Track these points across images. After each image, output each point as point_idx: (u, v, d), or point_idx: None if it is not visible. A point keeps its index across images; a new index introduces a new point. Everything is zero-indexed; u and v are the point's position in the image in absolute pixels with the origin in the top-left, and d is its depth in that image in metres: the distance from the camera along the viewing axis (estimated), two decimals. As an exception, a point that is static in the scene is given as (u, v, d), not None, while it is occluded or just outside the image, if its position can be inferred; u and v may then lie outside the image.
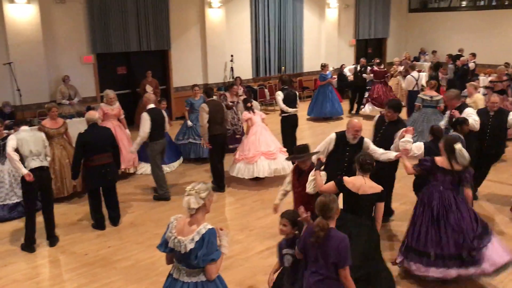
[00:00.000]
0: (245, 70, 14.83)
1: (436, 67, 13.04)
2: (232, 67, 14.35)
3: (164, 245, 3.44)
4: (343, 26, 17.99)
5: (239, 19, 14.86)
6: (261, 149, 8.03)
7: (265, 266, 5.28)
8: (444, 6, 20.23)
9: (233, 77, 13.79)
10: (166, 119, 7.84)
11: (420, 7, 20.72)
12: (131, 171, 8.93)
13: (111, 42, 12.01)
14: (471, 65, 14.63)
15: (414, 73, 11.92)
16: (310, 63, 17.01)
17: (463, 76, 13.70)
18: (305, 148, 5.04)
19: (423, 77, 12.71)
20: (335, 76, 15.04)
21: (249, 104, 8.47)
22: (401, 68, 14.80)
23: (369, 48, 19.88)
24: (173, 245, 3.33)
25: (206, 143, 7.73)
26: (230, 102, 10.08)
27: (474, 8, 19.31)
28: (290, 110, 9.09)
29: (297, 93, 9.82)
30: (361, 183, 4.38)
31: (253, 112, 8.34)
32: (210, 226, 3.31)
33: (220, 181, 7.96)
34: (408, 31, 20.71)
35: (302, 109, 14.12)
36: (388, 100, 6.66)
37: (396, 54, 18.65)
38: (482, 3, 19.37)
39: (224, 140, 8.03)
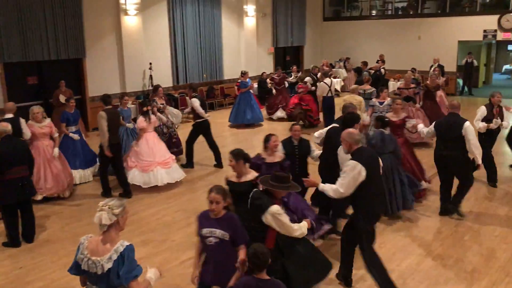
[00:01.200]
0: (164, 78, 14.61)
1: (359, 70, 13.78)
2: (151, 75, 14.09)
3: (75, 268, 3.26)
4: (261, 34, 18.33)
5: (156, 27, 14.65)
6: (156, 159, 8.17)
7: (187, 276, 5.20)
8: (355, 15, 21.30)
9: (152, 86, 13.52)
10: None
11: (334, 16, 21.65)
12: (66, 194, 7.97)
13: (20, 50, 11.34)
14: (382, 70, 15.51)
15: (327, 80, 12.42)
16: (230, 71, 17.13)
17: (376, 81, 14.41)
18: (287, 178, 4.26)
19: (337, 83, 13.26)
20: (255, 84, 15.27)
21: (145, 109, 8.50)
22: (318, 75, 15.31)
23: (287, 56, 20.42)
24: (87, 267, 3.15)
25: (108, 151, 7.63)
26: (161, 104, 9.95)
27: (383, 17, 20.53)
28: (206, 115, 9.40)
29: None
30: None
31: (149, 119, 8.37)
32: (127, 243, 3.17)
33: (124, 187, 7.97)
34: (324, 39, 21.53)
35: (223, 117, 14.25)
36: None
37: (312, 61, 19.30)
38: (390, 12, 20.62)
39: (119, 149, 8.00)
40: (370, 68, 15.52)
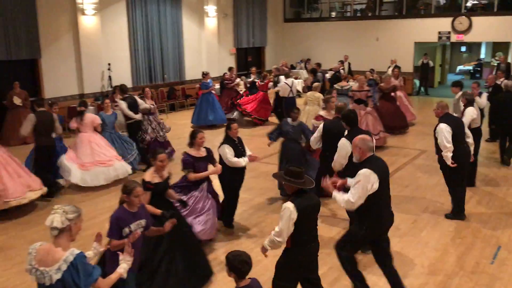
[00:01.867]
0: (124, 79, 14.29)
1: (314, 71, 13.96)
2: (110, 76, 13.82)
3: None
4: (223, 35, 18.29)
5: (115, 27, 14.38)
6: (96, 158, 8.33)
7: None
8: (316, 17, 21.57)
9: (111, 86, 13.28)
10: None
11: (294, 17, 21.85)
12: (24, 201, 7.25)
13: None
14: (341, 71, 15.76)
15: (288, 80, 12.55)
16: (192, 72, 17.00)
17: (335, 82, 14.60)
18: (302, 172, 4.13)
19: (298, 83, 13.39)
20: (216, 85, 15.22)
21: (79, 109, 8.73)
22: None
23: (249, 56, 20.47)
24: (36, 278, 3.00)
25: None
26: (152, 105, 10.06)
27: (342, 18, 20.87)
28: (136, 116, 9.53)
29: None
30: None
31: (82, 119, 8.50)
32: (77, 251, 3.03)
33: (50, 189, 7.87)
34: (285, 40, 21.70)
35: (185, 118, 14.12)
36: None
37: (273, 62, 19.43)
38: (349, 14, 20.99)
39: (52, 151, 8.04)
40: (331, 69, 15.72)
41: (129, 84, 14.78)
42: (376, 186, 4.32)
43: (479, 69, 24.11)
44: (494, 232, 6.45)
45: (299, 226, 3.99)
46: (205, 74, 13.70)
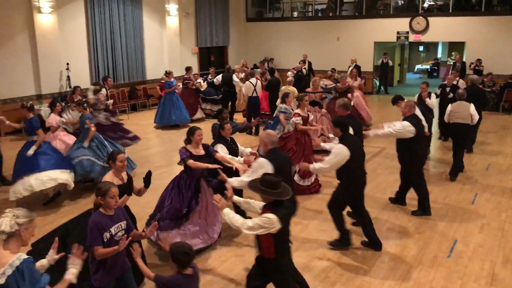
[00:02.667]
0: (83, 79, 14.04)
1: (272, 72, 13.99)
2: (68, 76, 13.48)
3: None
4: (185, 34, 18.14)
5: (73, 25, 14.02)
6: None
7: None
8: (278, 16, 21.68)
9: (70, 87, 12.97)
10: None
11: (257, 17, 21.90)
12: None
13: None
14: (303, 71, 15.93)
15: (252, 80, 12.59)
16: (153, 71, 16.79)
17: (298, 81, 14.74)
18: (279, 182, 4.07)
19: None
20: (180, 84, 15.08)
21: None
22: (242, 75, 15.40)
23: (212, 56, 20.38)
24: None
25: None
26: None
27: (304, 18, 21.06)
28: None
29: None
30: None
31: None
32: (25, 256, 2.92)
33: None
34: (247, 40, 21.72)
35: (147, 118, 13.94)
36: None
37: (236, 61, 19.42)
38: (310, 14, 21.21)
39: None
40: (293, 68, 15.81)
41: (87, 84, 14.46)
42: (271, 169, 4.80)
43: (436, 68, 24.86)
44: (450, 226, 6.67)
45: (281, 236, 3.97)
46: (168, 73, 13.55)
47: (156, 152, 10.92)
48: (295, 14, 21.67)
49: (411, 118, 6.75)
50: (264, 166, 4.84)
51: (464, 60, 17.47)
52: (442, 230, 6.54)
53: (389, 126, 6.89)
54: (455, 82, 11.04)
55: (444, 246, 6.06)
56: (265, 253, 4.05)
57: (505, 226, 6.65)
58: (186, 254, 3.51)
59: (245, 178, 5.01)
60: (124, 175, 4.87)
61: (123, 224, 3.93)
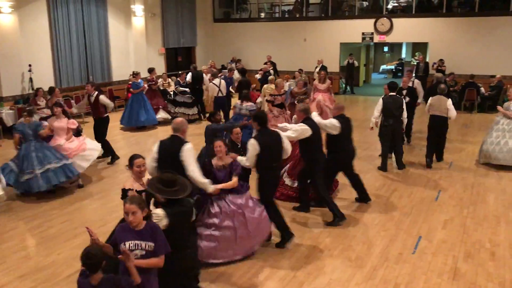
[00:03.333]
0: (46, 80, 13.67)
1: (243, 72, 14.04)
2: (31, 78, 13.12)
3: None
4: (151, 35, 17.95)
5: (35, 26, 13.66)
6: None
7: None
8: (245, 17, 21.70)
9: (33, 89, 12.65)
10: None
11: (224, 18, 21.86)
12: None
13: None
14: (271, 71, 16.00)
15: (216, 81, 12.63)
16: (119, 72, 16.54)
17: (265, 83, 14.73)
18: (175, 180, 4.12)
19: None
20: (146, 86, 14.89)
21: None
22: (209, 76, 15.34)
23: (179, 57, 20.23)
24: None
25: None
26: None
27: (271, 19, 21.16)
28: None
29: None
30: None
31: None
32: None
33: None
34: (215, 40, 21.65)
35: (113, 119, 13.67)
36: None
37: (204, 62, 19.36)
38: (277, 15, 21.32)
39: None
40: (261, 69, 15.85)
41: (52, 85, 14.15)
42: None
43: (400, 68, 25.38)
44: (415, 223, 6.82)
45: (172, 232, 3.95)
46: (135, 74, 13.40)
47: (122, 155, 10.74)
48: (262, 15, 21.74)
49: (339, 118, 7.21)
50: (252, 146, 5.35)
51: (427, 60, 17.90)
52: (407, 227, 6.68)
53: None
54: (410, 84, 11.10)
55: (409, 243, 6.19)
56: None
57: (467, 222, 6.86)
58: (85, 257, 3.39)
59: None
60: (145, 180, 4.67)
61: (144, 244, 3.67)
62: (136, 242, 3.66)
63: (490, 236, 6.40)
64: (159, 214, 3.95)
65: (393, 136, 9.07)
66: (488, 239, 6.29)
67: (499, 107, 9.65)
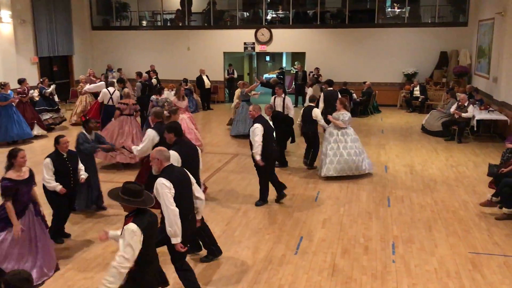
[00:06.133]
0: None
1: (122, 81, 13.64)
2: None
3: None
4: (22, 43, 16.67)
5: None
6: None
7: None
8: (125, 25, 21.10)
9: None
10: None
11: (103, 25, 21.04)
12: None
13: None
14: (154, 81, 15.71)
15: (110, 88, 12.37)
16: (-15, 83, 15.07)
17: (145, 91, 14.30)
18: (141, 190, 4.01)
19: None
20: (17, 97, 13.76)
21: None
22: (88, 86, 14.65)
23: (55, 66, 19.03)
24: None
25: None
26: None
27: (153, 27, 20.83)
28: None
29: None
30: None
31: None
32: None
33: None
34: (94, 49, 20.75)
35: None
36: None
37: (82, 71, 18.46)
38: (159, 23, 21.04)
39: None
40: (140, 80, 15.35)
41: None
42: (173, 191, 4.57)
43: (281, 76, 26.41)
44: (297, 224, 7.13)
45: (143, 246, 3.84)
46: (3, 85, 12.33)
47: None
48: (144, 23, 21.32)
49: (259, 119, 7.52)
50: (164, 187, 4.55)
51: (305, 69, 18.88)
52: (290, 229, 6.95)
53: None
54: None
55: (291, 244, 6.45)
56: None
57: (343, 220, 7.32)
58: (25, 280, 3.16)
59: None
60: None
61: None
62: None
63: (363, 231, 6.90)
64: (135, 231, 3.74)
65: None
66: (362, 234, 6.78)
67: (329, 117, 9.50)
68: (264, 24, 19.50)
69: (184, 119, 10.80)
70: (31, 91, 13.81)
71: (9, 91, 12.39)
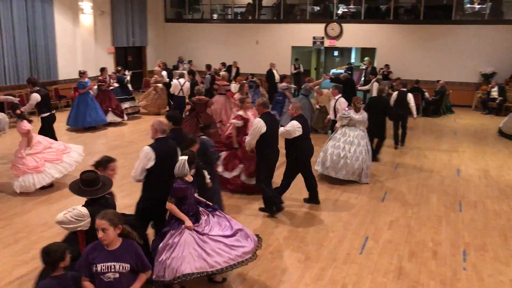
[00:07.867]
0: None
1: (192, 72, 14.03)
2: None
3: None
4: (100, 33, 17.50)
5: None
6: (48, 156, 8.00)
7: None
8: (197, 18, 21.57)
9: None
10: None
11: (176, 18, 21.63)
12: None
13: None
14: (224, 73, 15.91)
15: (181, 80, 12.86)
16: (66, 70, 16.01)
17: (214, 83, 14.52)
18: (96, 179, 4.12)
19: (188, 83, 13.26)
20: (95, 85, 14.47)
21: (18, 111, 8.04)
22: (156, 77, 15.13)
23: (129, 56, 19.82)
24: None
25: None
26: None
27: (224, 21, 21.14)
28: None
29: None
30: None
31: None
32: None
33: None
34: (166, 40, 21.39)
35: (60, 120, 13.23)
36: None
37: (155, 62, 19.06)
38: (230, 17, 21.32)
39: None
40: (209, 73, 15.58)
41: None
42: (152, 163, 4.85)
43: (350, 72, 25.94)
44: (362, 224, 6.99)
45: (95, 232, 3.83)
46: (82, 73, 12.95)
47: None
48: (215, 16, 21.68)
49: (299, 118, 7.29)
50: (148, 154, 4.87)
51: (375, 65, 18.43)
52: (355, 228, 6.84)
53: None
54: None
55: (356, 243, 6.34)
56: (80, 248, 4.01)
57: (411, 223, 7.10)
58: (44, 253, 3.33)
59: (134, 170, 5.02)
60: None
61: (119, 266, 3.40)
62: (108, 264, 3.38)
63: (432, 235, 6.65)
64: (84, 213, 3.92)
65: None
66: (431, 239, 6.54)
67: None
68: (334, 18, 19.21)
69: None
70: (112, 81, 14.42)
71: (86, 79, 12.99)
